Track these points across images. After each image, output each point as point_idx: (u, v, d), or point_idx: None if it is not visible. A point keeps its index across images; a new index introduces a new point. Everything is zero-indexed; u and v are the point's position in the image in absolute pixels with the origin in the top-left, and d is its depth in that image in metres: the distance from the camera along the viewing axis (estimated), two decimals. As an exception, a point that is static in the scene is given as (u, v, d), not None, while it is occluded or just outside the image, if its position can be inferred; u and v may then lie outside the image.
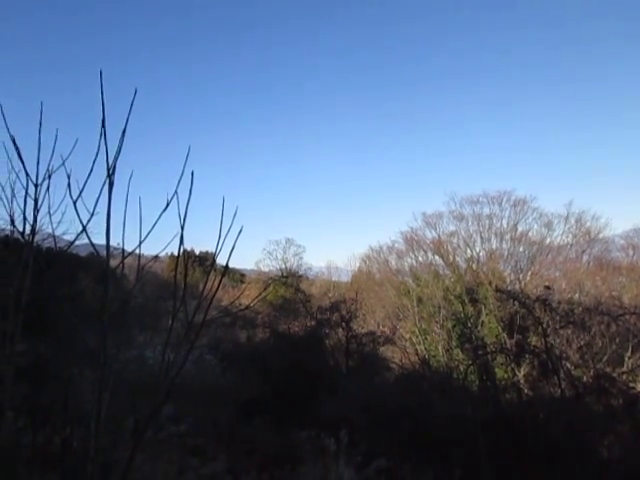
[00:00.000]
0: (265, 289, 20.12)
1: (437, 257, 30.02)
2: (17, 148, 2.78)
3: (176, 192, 2.64)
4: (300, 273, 48.58)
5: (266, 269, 50.74)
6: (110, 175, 2.61)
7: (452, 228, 31.37)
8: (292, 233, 66.62)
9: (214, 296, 2.85)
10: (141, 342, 19.71)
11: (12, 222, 3.28)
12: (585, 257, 26.68)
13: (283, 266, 50.04)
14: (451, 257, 28.85)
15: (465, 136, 62.46)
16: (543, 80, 54.70)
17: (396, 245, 35.27)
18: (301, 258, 50.83)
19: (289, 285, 32.73)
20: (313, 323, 20.86)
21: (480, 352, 17.99)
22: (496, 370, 17.83)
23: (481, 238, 29.14)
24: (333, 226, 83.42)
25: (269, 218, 78.10)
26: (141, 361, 15.18)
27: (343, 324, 20.26)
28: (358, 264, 47.51)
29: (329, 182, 77.72)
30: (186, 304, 2.71)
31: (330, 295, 31.82)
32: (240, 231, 2.67)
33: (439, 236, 30.86)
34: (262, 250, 50.83)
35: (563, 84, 53.81)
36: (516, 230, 28.85)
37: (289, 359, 17.07)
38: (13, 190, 3.34)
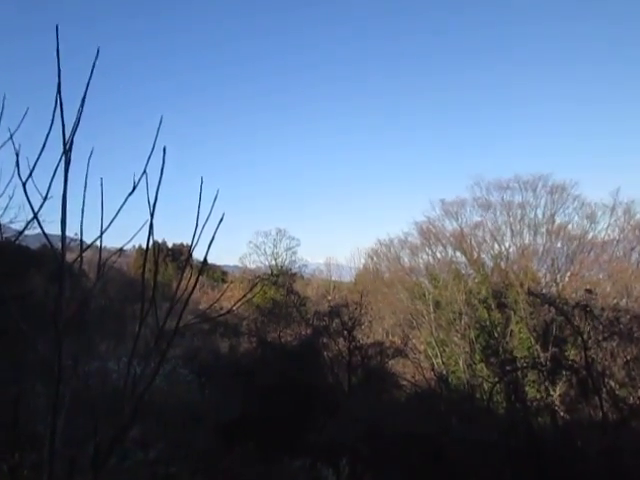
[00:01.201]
0: (251, 290, 20.12)
1: (458, 253, 30.12)
2: (-45, 118, 2.77)
3: (145, 172, 2.63)
4: (294, 271, 48.51)
5: (252, 266, 50.72)
6: (67, 151, 2.60)
7: (477, 218, 31.47)
8: (285, 224, 66.61)
9: (189, 297, 2.86)
10: (103, 352, 19.80)
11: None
12: (635, 255, 26.71)
13: (273, 262, 50.01)
14: (475, 253, 28.93)
15: (491, 113, 62.70)
16: (586, 57, 54.75)
17: (409, 238, 35.37)
18: (295, 253, 50.74)
19: (280, 285, 32.72)
20: (309, 331, 20.91)
21: (508, 367, 18.07)
22: (527, 389, 17.93)
23: (511, 231, 29.24)
24: (333, 216, 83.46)
25: (257, 207, 78.35)
26: (103, 374, 15.21)
27: (345, 333, 20.30)
28: (363, 261, 47.57)
29: (328, 166, 77.94)
30: (156, 307, 2.71)
31: (329, 298, 31.86)
32: (221, 219, 2.67)
33: (461, 228, 30.94)
34: (248, 243, 50.71)
35: (605, 60, 53.94)
36: (553, 222, 28.90)
37: (280, 374, 17.11)
38: (-50, 169, 3.33)
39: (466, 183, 33.01)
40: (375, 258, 41.73)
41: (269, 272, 45.33)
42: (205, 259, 2.92)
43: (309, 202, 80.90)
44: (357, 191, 78.39)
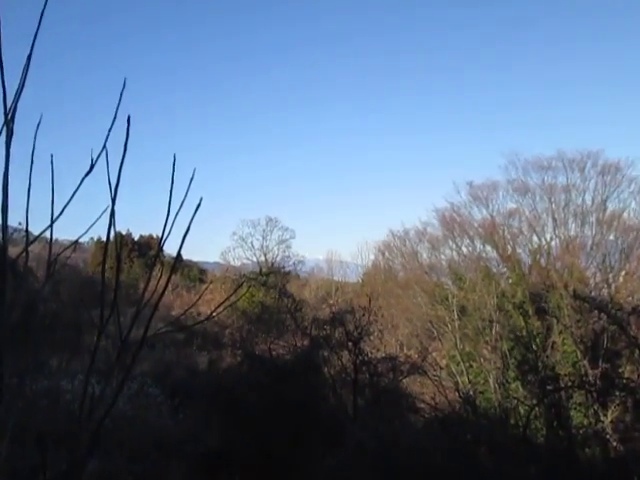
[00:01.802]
0: (235, 292, 20.14)
1: (489, 247, 30.13)
2: None
3: (105, 147, 2.62)
4: (287, 269, 48.59)
5: (237, 263, 50.71)
6: (8, 122, 2.59)
7: (511, 205, 31.44)
8: (277, 213, 66.53)
9: (160, 301, 2.85)
10: (54, 368, 19.83)
11: None
12: None
13: (262, 258, 49.99)
14: (509, 247, 28.93)
15: (529, 79, 62.83)
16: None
17: (429, 229, 35.35)
18: (289, 247, 50.68)
19: (271, 286, 32.76)
20: (306, 343, 20.94)
21: (549, 387, 18.13)
22: (572, 413, 17.98)
23: (554, 220, 29.24)
24: (336, 204, 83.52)
25: (243, 194, 78.77)
26: (54, 395, 15.26)
27: (350, 345, 20.33)
28: (372, 257, 47.63)
29: (328, 149, 78.30)
30: (119, 313, 2.71)
31: (331, 302, 31.93)
32: (198, 205, 2.65)
33: (492, 216, 30.94)
34: (231, 235, 50.61)
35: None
36: (605, 209, 28.91)
37: (270, 394, 17.15)
38: None
39: (498, 162, 33.00)
40: (387, 253, 41.79)
41: (257, 270, 45.38)
42: (179, 254, 2.92)
43: (306, 188, 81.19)
44: (365, 174, 78.63)
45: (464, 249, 31.43)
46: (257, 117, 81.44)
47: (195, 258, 57.41)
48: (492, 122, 65.47)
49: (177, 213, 2.62)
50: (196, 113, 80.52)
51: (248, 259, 50.59)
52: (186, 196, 2.62)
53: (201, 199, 2.62)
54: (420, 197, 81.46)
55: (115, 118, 2.61)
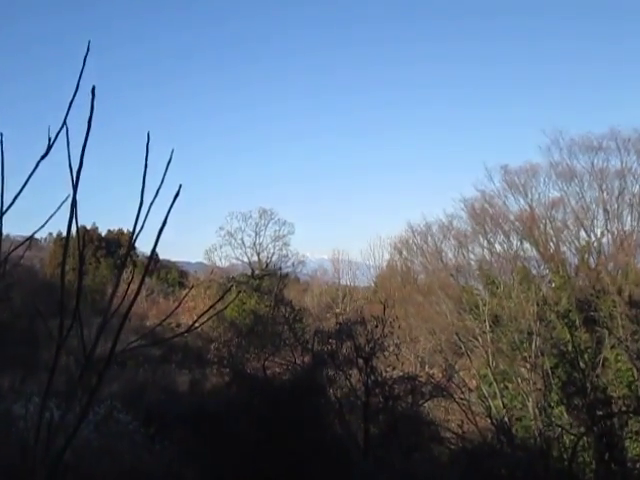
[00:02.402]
0: (222, 298, 20.18)
1: (527, 244, 30.09)
2: None
3: (65, 124, 2.61)
4: (285, 270, 48.36)
5: (224, 263, 50.45)
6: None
7: (554, 194, 31.35)
8: (272, 205, 66.53)
9: (131, 308, 2.85)
10: (5, 389, 19.87)
11: None
12: None
13: (255, 258, 49.73)
14: (552, 245, 28.91)
15: (570, 48, 62.99)
16: None
17: (455, 223, 35.26)
18: (287, 244, 50.40)
19: (265, 292, 32.80)
20: (307, 359, 20.96)
21: (600, 413, 18.12)
22: (627, 444, 17.97)
23: (605, 212, 29.18)
24: (342, 198, 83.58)
25: (234, 186, 79.22)
26: (5, 422, 15.29)
27: (360, 362, 20.35)
28: (388, 256, 47.50)
29: (330, 141, 78.62)
30: (82, 323, 2.71)
31: (338, 310, 32.00)
32: (177, 194, 2.64)
33: (531, 207, 30.88)
34: (218, 231, 50.22)
35: None
36: (667, 199, 28.83)
37: (265, 421, 17.16)
38: None
39: (539, 141, 32.92)
40: (405, 252, 41.72)
41: (248, 272, 45.31)
42: (154, 253, 2.91)
43: (307, 182, 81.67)
44: (378, 158, 78.82)
45: (497, 247, 31.43)
46: (256, 110, 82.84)
47: (174, 258, 57.54)
48: (531, 94, 65.56)
49: (151, 203, 2.60)
50: (192, 104, 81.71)
51: (238, 259, 50.43)
52: (162, 182, 2.60)
53: (180, 187, 2.60)
54: (445, 185, 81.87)
55: (77, 89, 2.59)
